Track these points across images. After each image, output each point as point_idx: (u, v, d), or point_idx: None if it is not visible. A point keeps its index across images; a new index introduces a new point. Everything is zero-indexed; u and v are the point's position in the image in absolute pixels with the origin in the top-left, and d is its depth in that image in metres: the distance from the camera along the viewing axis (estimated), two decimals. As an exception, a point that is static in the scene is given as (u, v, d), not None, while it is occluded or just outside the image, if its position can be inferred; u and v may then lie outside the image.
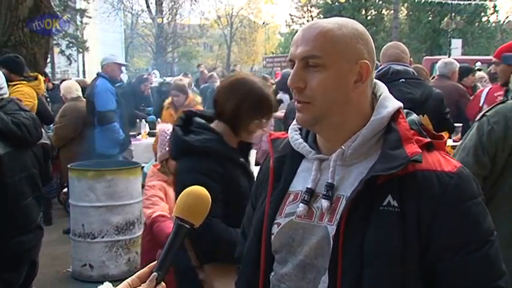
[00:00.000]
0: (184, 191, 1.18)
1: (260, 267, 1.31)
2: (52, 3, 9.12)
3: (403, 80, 3.36)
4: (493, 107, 2.48)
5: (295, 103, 1.24)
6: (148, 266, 1.14)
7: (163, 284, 1.12)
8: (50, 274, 4.87)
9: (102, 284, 1.11)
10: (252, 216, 1.41)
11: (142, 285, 1.10)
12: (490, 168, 2.34)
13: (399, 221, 1.14)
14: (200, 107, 6.25)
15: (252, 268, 1.34)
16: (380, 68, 3.53)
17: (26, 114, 2.77)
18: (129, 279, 1.11)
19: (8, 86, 5.12)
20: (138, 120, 7.97)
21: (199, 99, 6.58)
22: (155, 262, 1.14)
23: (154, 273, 1.11)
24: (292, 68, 1.23)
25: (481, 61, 10.82)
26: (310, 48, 1.20)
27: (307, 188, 1.26)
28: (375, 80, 1.30)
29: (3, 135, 2.62)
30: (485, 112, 2.46)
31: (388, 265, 1.13)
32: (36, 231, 2.86)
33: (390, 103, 1.25)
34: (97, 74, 6.14)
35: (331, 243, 1.18)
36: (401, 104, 1.27)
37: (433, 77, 6.53)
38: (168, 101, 6.54)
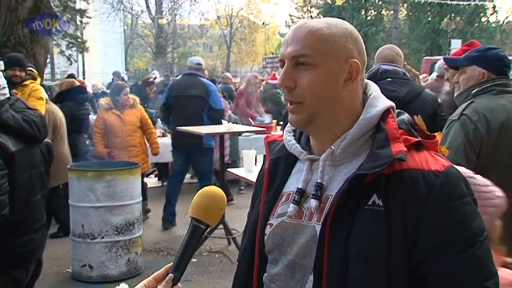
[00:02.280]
0: (199, 192, 1.19)
1: (254, 268, 1.32)
2: (52, 4, 9.13)
3: (390, 79, 3.38)
4: (467, 106, 2.62)
5: (288, 104, 1.25)
6: (164, 267, 1.15)
7: (179, 285, 1.12)
8: (49, 274, 4.87)
9: (119, 285, 1.12)
10: None
11: (158, 286, 1.10)
12: (476, 164, 2.47)
13: (384, 220, 1.14)
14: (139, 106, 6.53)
15: (247, 268, 1.35)
16: (371, 68, 3.54)
17: (33, 113, 2.83)
18: (145, 281, 1.11)
19: (22, 85, 5.21)
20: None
21: (137, 99, 6.65)
22: (171, 264, 1.14)
23: (171, 275, 1.11)
24: (283, 68, 1.24)
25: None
26: (300, 47, 1.20)
27: (297, 188, 1.26)
28: (366, 80, 1.31)
29: (15, 133, 2.66)
30: (463, 111, 2.60)
31: (372, 264, 1.13)
32: (43, 230, 2.90)
33: (380, 103, 1.26)
34: (193, 74, 6.52)
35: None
36: (392, 104, 1.27)
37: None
38: (105, 101, 6.59)
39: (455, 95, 2.84)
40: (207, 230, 1.17)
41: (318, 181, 1.23)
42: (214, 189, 1.19)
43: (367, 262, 1.13)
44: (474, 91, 2.68)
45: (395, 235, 1.13)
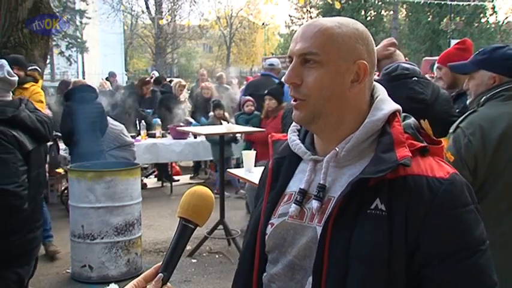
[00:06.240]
0: (188, 191, 1.18)
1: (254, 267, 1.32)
2: (51, 4, 9.13)
3: (416, 78, 3.24)
4: (465, 117, 2.42)
5: (292, 101, 1.24)
6: (153, 267, 1.14)
7: (169, 285, 1.11)
8: (49, 275, 4.88)
9: (108, 285, 1.11)
10: None
11: (148, 286, 1.10)
12: (471, 181, 2.21)
13: (386, 225, 1.13)
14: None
15: (247, 268, 1.35)
16: (387, 66, 3.49)
17: (43, 113, 2.93)
18: (134, 281, 1.11)
19: (22, 88, 5.16)
20: (137, 121, 7.99)
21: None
22: (160, 263, 1.14)
23: (160, 274, 1.11)
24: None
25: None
26: (309, 45, 1.19)
27: (300, 188, 1.25)
28: (374, 83, 1.30)
29: (30, 132, 2.72)
30: (459, 123, 2.40)
31: (372, 268, 1.12)
32: (41, 228, 2.96)
33: (386, 106, 1.24)
34: (266, 75, 7.20)
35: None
36: (398, 107, 1.26)
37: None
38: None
39: (467, 102, 2.60)
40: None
41: (321, 182, 1.22)
42: (203, 189, 1.18)
43: (367, 266, 1.12)
44: (482, 99, 2.45)
45: (397, 240, 1.12)
